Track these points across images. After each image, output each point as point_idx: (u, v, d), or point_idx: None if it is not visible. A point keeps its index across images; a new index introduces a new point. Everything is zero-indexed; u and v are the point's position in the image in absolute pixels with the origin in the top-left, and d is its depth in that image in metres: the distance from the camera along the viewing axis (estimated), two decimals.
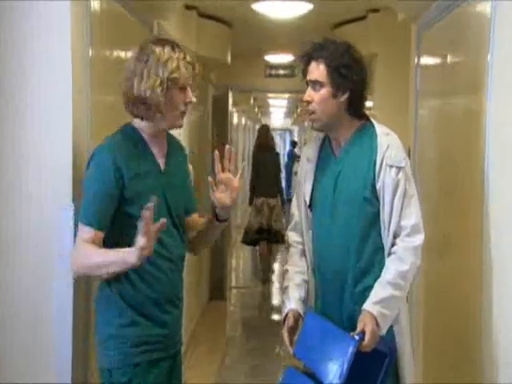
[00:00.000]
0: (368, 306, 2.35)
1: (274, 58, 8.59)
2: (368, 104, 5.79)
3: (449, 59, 3.20)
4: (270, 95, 14.67)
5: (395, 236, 2.42)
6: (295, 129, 26.26)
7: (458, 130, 3.02)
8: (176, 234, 2.43)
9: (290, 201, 3.42)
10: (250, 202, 8.66)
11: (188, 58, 2.36)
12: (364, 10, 5.53)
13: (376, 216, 2.45)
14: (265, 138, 8.92)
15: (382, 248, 2.46)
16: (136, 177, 2.31)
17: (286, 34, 7.04)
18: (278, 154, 9.12)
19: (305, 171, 2.63)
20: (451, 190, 3.09)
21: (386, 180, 2.42)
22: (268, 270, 8.89)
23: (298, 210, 2.67)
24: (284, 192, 9.35)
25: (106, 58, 2.98)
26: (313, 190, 2.58)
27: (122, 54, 3.20)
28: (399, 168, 2.43)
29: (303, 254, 2.65)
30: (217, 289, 7.79)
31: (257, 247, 8.71)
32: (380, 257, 2.46)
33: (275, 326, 6.73)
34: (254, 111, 17.91)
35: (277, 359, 5.66)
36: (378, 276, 2.42)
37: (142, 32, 3.66)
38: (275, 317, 7.17)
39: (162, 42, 2.36)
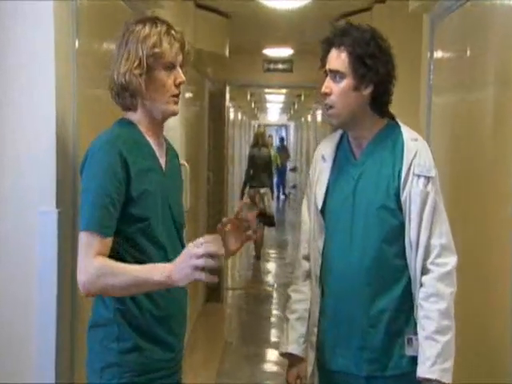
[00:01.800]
0: (425, 372, 2.10)
1: (272, 52, 8.43)
2: None
3: (468, 52, 2.99)
4: (266, 90, 14.58)
5: (425, 258, 2.16)
6: (291, 124, 26.16)
7: (480, 125, 2.83)
8: (178, 244, 2.14)
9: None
10: (241, 195, 9.96)
11: (173, 32, 2.08)
12: (368, 1, 5.32)
13: (398, 230, 2.18)
14: (261, 138, 10.34)
15: (402, 267, 2.20)
16: (141, 173, 2.01)
17: (286, 27, 6.91)
18: (270, 150, 10.50)
19: (318, 171, 2.37)
20: (471, 193, 2.89)
21: (412, 191, 2.15)
22: (260, 248, 10.16)
23: (307, 216, 2.41)
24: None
25: (96, 50, 2.82)
26: (326, 193, 2.31)
27: (113, 45, 3.00)
28: (428, 178, 2.17)
29: (309, 274, 2.40)
30: (212, 290, 7.58)
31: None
32: (399, 276, 2.20)
33: (273, 328, 6.57)
34: (251, 107, 17.78)
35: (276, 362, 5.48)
36: (395, 299, 2.18)
37: None
38: (273, 315, 6.99)
39: (143, 20, 2.10)
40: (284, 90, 14.28)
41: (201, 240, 1.81)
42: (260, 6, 5.51)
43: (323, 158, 2.36)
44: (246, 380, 5.24)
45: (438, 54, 3.59)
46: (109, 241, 1.94)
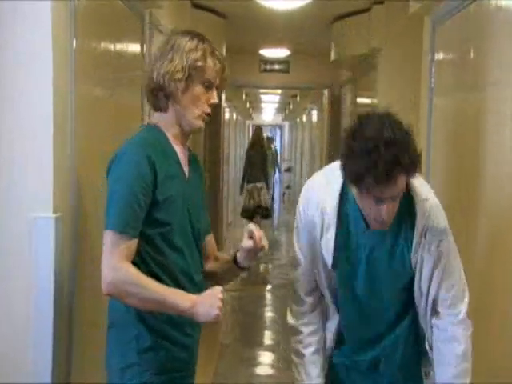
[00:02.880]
0: None
1: (269, 53, 8.40)
2: (372, 101, 5.67)
3: (470, 54, 2.97)
4: (262, 91, 14.54)
5: (434, 306, 2.12)
6: (286, 124, 26.13)
7: (482, 127, 2.81)
8: (195, 249, 2.18)
9: None
10: (241, 190, 10.99)
11: (217, 54, 2.16)
12: (367, 1, 5.29)
13: (410, 280, 2.13)
14: (258, 138, 11.31)
15: (411, 301, 2.16)
16: (167, 178, 2.06)
17: (282, 28, 6.89)
18: (265, 150, 11.55)
19: (320, 225, 2.13)
20: (472, 194, 2.86)
21: (425, 254, 2.07)
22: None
23: (303, 255, 2.23)
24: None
25: (93, 49, 2.77)
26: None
27: (111, 45, 2.97)
28: (441, 240, 2.08)
29: (314, 307, 2.28)
30: None
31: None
32: (408, 308, 2.18)
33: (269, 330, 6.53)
34: (246, 106, 17.73)
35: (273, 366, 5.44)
36: (405, 328, 2.18)
37: (133, 22, 3.42)
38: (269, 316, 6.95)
39: (190, 33, 2.17)
40: (279, 91, 14.26)
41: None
42: (257, 6, 5.48)
43: (323, 211, 2.12)
44: (241, 382, 5.20)
45: (440, 56, 3.56)
46: (134, 241, 1.98)
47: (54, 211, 2.23)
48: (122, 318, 2.09)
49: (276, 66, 8.82)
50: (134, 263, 1.99)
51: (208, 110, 2.16)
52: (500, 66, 2.63)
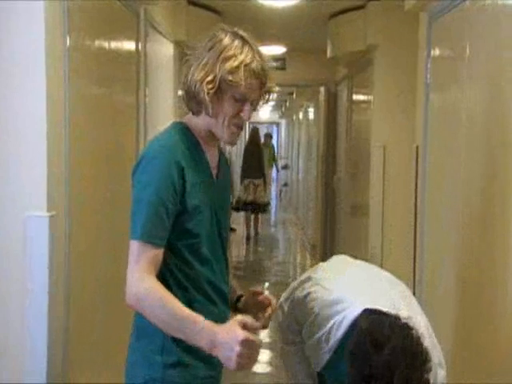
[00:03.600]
0: None
1: (265, 50, 8.29)
2: (368, 98, 5.66)
3: (467, 50, 2.95)
4: None
5: None
6: (283, 122, 26.10)
7: (478, 124, 2.80)
8: (222, 256, 2.06)
9: None
10: (241, 182, 11.72)
11: (256, 66, 1.93)
12: None
13: None
14: (254, 138, 12.22)
15: None
16: (195, 186, 1.93)
17: (279, 25, 6.86)
18: (262, 148, 12.43)
19: None
20: (469, 192, 2.85)
21: None
22: (251, 231, 11.75)
23: None
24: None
25: (88, 47, 2.75)
26: None
27: (106, 43, 2.96)
28: None
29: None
30: None
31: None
32: None
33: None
34: None
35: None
36: None
37: (128, 19, 3.41)
38: None
39: (235, 33, 1.96)
40: (276, 88, 14.20)
41: (255, 324, 1.78)
42: (253, 3, 5.47)
43: None
44: (238, 381, 5.18)
45: (436, 52, 3.55)
46: (161, 251, 1.86)
47: (48, 210, 2.22)
48: (148, 328, 1.90)
49: (272, 63, 8.77)
50: (162, 274, 1.88)
51: (238, 123, 1.97)
52: (495, 62, 2.62)
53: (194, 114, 2.00)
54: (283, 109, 20.64)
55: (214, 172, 2.06)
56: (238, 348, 1.71)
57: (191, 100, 1.97)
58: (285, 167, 19.10)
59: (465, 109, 3.02)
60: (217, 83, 1.90)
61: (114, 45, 3.17)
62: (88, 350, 2.67)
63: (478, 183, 2.77)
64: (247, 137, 13.46)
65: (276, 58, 8.69)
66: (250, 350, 1.72)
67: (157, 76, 4.21)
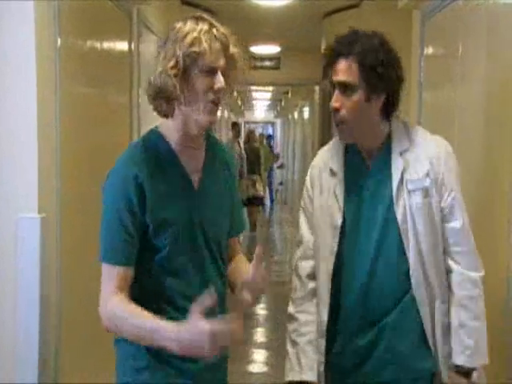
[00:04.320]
0: (466, 361, 2.06)
1: (259, 49, 8.37)
2: None
3: (459, 48, 2.96)
4: (253, 88, 14.51)
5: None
6: (278, 121, 26.11)
7: (472, 121, 2.81)
8: (213, 268, 1.95)
9: None
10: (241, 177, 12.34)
11: (215, 32, 1.82)
12: None
13: None
14: (248, 139, 12.95)
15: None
16: (161, 200, 1.83)
17: (273, 24, 6.87)
18: (258, 148, 13.18)
19: (327, 188, 2.17)
20: (465, 189, 2.84)
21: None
22: (253, 223, 12.37)
23: (309, 233, 2.24)
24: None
25: (79, 48, 2.74)
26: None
27: (98, 43, 2.95)
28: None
29: (315, 293, 2.24)
30: None
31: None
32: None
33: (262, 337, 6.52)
34: (237, 104, 17.70)
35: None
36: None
37: (121, 19, 3.39)
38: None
39: (186, 18, 1.85)
40: (271, 88, 14.24)
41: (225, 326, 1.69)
42: (247, 3, 5.47)
43: (332, 171, 2.17)
44: (234, 381, 5.16)
45: (429, 51, 3.55)
46: (129, 269, 1.81)
47: (40, 212, 2.22)
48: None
49: (266, 63, 8.81)
50: (136, 294, 1.83)
51: (211, 97, 1.82)
52: (487, 61, 2.63)
53: (165, 116, 1.88)
54: (278, 108, 20.67)
55: (197, 178, 1.93)
56: (206, 341, 1.65)
57: (159, 100, 1.83)
58: (280, 166, 19.12)
59: (458, 107, 3.02)
60: (181, 63, 1.78)
61: (106, 45, 3.16)
62: (79, 350, 2.67)
63: (471, 181, 2.77)
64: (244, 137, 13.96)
65: (271, 58, 8.71)
66: (219, 336, 1.66)
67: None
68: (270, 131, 27.48)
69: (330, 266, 2.15)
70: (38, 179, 2.22)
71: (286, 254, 10.71)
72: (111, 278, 1.79)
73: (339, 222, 2.13)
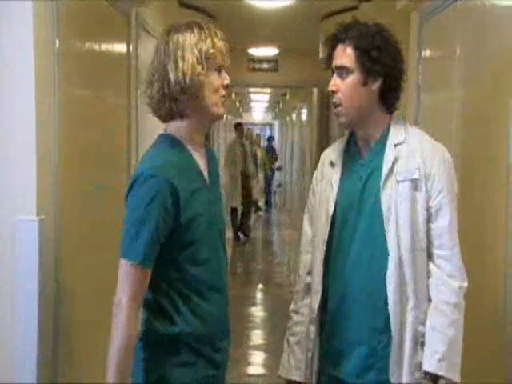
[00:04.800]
0: (433, 367, 2.04)
1: (257, 51, 8.38)
2: None
3: (457, 50, 2.96)
4: (251, 90, 14.53)
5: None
6: (276, 123, 26.11)
7: (469, 123, 2.82)
8: (221, 251, 2.13)
9: None
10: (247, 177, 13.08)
11: (220, 34, 2.06)
12: None
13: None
14: (249, 137, 14.03)
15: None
16: (190, 198, 1.97)
17: (271, 26, 6.87)
18: (256, 148, 14.53)
19: (327, 177, 2.26)
20: (462, 191, 2.84)
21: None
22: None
23: (309, 227, 2.33)
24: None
25: (78, 50, 2.74)
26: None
27: (96, 45, 2.94)
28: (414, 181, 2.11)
29: (309, 288, 2.31)
30: None
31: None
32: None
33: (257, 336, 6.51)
34: (235, 106, 17.69)
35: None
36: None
37: (119, 21, 3.39)
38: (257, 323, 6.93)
39: (188, 26, 2.04)
40: (269, 90, 14.24)
41: None
42: (245, 5, 5.46)
43: (331, 163, 2.26)
44: (233, 382, 5.17)
45: (427, 53, 3.55)
46: (149, 271, 1.91)
47: (38, 214, 2.21)
48: (151, 335, 2.03)
49: (264, 65, 8.82)
50: (160, 290, 1.98)
51: (223, 93, 2.06)
52: (486, 62, 2.63)
53: (171, 118, 2.04)
54: (276, 110, 20.66)
55: (205, 172, 2.09)
56: None
57: (178, 101, 1.99)
58: (278, 169, 19.12)
59: (456, 109, 3.01)
60: (204, 63, 1.97)
61: (104, 47, 3.15)
62: (78, 350, 2.66)
63: (469, 183, 2.77)
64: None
65: (269, 60, 8.71)
66: None
67: None
68: (268, 133, 27.49)
69: (322, 255, 2.21)
70: (37, 181, 2.21)
71: (285, 257, 10.71)
72: (133, 277, 1.89)
73: (331, 210, 2.19)
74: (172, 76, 1.96)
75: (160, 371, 2.00)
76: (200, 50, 1.97)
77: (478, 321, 2.58)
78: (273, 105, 19.97)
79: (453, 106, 3.04)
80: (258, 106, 21.95)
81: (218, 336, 2.09)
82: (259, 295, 8.28)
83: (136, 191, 1.90)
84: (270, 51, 8.33)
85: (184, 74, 1.95)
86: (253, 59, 8.78)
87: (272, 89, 13.61)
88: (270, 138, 20.90)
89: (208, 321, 2.03)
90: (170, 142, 2.04)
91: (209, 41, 1.99)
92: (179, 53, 1.97)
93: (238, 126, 12.58)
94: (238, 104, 18.05)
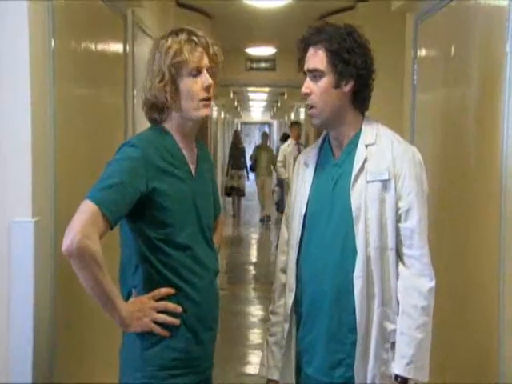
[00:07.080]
0: (401, 370, 2.09)
1: (255, 51, 8.39)
2: None
3: (452, 50, 2.96)
4: (249, 89, 14.55)
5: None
6: (274, 122, 26.11)
7: (465, 124, 2.81)
8: (206, 247, 2.20)
9: None
10: (227, 174, 14.53)
11: (194, 38, 2.10)
12: None
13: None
14: (237, 139, 15.05)
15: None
16: (170, 181, 2.07)
17: (268, 26, 6.88)
18: (243, 148, 15.36)
19: (301, 177, 2.32)
20: (457, 191, 2.86)
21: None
22: (237, 212, 14.75)
23: (286, 224, 2.40)
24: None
25: (74, 49, 2.73)
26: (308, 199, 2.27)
27: (93, 45, 2.94)
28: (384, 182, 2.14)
29: (283, 292, 2.37)
30: None
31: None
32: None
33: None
34: (234, 105, 17.70)
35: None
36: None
37: (115, 21, 3.39)
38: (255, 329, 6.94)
39: (167, 33, 2.14)
40: (267, 89, 14.26)
41: (160, 292, 2.04)
42: (242, 4, 5.47)
43: (306, 164, 2.32)
44: (230, 382, 5.18)
45: (422, 53, 3.56)
46: (106, 224, 1.90)
47: (33, 215, 2.20)
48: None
49: (262, 64, 8.84)
50: (145, 273, 2.06)
51: (204, 95, 2.10)
52: (481, 63, 2.63)
53: (159, 123, 2.16)
54: (275, 109, 20.67)
55: (193, 166, 2.19)
56: (151, 314, 2.03)
57: (153, 110, 2.14)
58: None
59: (451, 109, 3.02)
60: (167, 76, 2.05)
61: (100, 47, 3.15)
62: (74, 351, 2.67)
63: (463, 181, 2.78)
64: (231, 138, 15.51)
65: (266, 59, 8.72)
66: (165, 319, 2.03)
67: None
68: (267, 131, 27.49)
69: (295, 255, 2.26)
70: (32, 182, 2.20)
71: None
72: (97, 222, 1.88)
73: (303, 210, 2.24)
74: (145, 91, 2.12)
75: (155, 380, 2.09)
76: (167, 60, 2.05)
77: (474, 323, 2.60)
78: (271, 104, 19.98)
79: (448, 106, 3.04)
80: (257, 105, 21.96)
81: (199, 328, 2.13)
82: (255, 294, 8.29)
83: (116, 153, 2.04)
84: (267, 51, 8.33)
85: (150, 88, 2.09)
86: (250, 59, 8.79)
87: (270, 88, 13.63)
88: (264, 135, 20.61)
89: (189, 308, 2.10)
90: (160, 130, 2.16)
91: (175, 48, 2.05)
92: (151, 69, 2.10)
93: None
94: (236, 103, 18.06)
